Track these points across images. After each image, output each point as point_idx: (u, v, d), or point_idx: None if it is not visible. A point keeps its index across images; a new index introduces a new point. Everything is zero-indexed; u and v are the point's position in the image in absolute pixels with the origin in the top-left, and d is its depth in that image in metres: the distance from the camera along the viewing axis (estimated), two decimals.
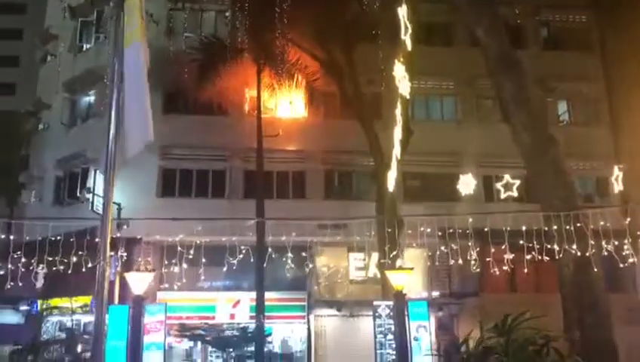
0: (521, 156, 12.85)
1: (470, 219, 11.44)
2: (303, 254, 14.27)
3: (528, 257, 10.99)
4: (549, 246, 10.75)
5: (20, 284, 11.43)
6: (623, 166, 12.76)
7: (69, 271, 11.97)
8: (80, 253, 11.80)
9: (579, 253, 10.52)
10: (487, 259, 12.11)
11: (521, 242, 11.26)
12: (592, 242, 10.49)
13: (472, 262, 11.75)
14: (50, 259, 11.58)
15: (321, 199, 20.94)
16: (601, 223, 10.88)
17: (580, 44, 23.26)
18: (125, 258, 12.94)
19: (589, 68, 22.53)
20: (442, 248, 12.94)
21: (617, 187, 12.55)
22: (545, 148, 12.37)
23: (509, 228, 11.63)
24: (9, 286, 11.34)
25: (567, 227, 10.27)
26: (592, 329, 10.76)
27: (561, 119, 23.57)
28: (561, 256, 10.74)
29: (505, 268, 11.72)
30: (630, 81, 20.43)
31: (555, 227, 10.59)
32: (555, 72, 21.71)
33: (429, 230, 12.49)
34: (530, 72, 14.08)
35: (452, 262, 11.85)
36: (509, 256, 11.22)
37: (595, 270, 11.01)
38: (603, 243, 10.68)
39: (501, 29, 13.37)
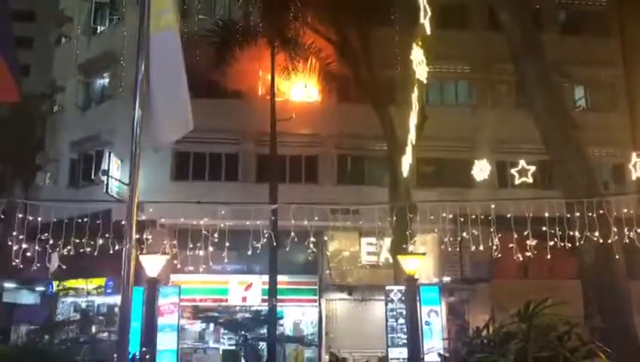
0: (541, 141, 12.68)
1: (493, 206, 11.36)
2: (315, 238, 14.27)
3: (551, 243, 10.91)
4: (571, 233, 10.67)
5: (40, 265, 11.60)
6: None
7: (85, 252, 12.11)
8: (95, 234, 11.93)
9: (600, 240, 10.43)
10: (501, 245, 12.03)
11: (544, 228, 11.16)
12: (615, 229, 10.40)
13: (487, 248, 11.69)
14: (77, 241, 11.72)
15: (334, 184, 20.91)
16: (624, 210, 10.77)
17: (599, 29, 22.77)
18: (144, 241, 13.05)
19: (606, 53, 22.10)
20: (455, 234, 12.90)
21: (635, 174, 12.42)
22: (567, 133, 12.21)
23: (524, 215, 11.55)
24: (35, 268, 11.50)
25: (590, 214, 10.17)
26: (612, 316, 10.72)
27: (577, 105, 23.25)
28: (581, 242, 10.66)
29: (518, 254, 11.65)
30: None
31: (578, 214, 10.49)
32: (573, 57, 21.19)
33: (450, 216, 12.41)
34: (548, 56, 13.85)
35: (473, 248, 11.76)
36: (531, 242, 11.13)
37: (617, 257, 10.94)
38: (625, 230, 10.58)
39: (525, 12, 13.14)
